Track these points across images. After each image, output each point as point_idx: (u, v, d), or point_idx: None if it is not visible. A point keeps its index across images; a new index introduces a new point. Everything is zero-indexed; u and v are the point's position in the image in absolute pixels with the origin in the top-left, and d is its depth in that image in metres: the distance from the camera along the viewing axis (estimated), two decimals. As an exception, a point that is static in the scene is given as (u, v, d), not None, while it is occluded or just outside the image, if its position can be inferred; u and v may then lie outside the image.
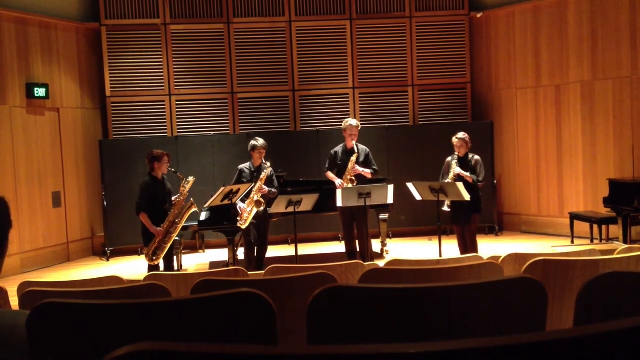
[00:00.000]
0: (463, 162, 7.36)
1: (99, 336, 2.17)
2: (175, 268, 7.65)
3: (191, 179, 7.08)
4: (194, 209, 7.08)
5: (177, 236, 7.16)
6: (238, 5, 10.56)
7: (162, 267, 7.11)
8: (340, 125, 10.53)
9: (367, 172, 7.67)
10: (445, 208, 7.28)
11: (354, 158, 7.57)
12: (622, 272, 2.54)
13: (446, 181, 7.21)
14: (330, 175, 7.84)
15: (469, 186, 7.15)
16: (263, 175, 7.45)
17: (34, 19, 9.40)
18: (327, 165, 8.00)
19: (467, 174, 7.24)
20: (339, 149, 7.92)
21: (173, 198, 7.02)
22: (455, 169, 7.25)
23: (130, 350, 1.09)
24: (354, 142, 7.76)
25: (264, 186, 7.45)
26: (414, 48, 10.87)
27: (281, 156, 9.60)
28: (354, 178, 7.58)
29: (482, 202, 7.51)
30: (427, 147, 10.32)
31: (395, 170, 10.01)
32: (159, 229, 6.83)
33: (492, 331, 2.16)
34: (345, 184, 7.50)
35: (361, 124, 10.63)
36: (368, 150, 7.93)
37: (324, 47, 10.75)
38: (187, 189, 7.01)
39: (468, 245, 7.37)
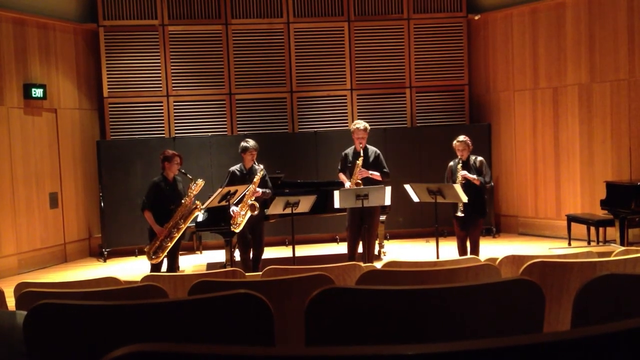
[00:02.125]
0: (466, 165, 7.26)
1: (96, 337, 2.17)
2: (177, 268, 7.64)
3: (200, 181, 7.08)
4: (198, 212, 7.08)
5: (180, 236, 7.14)
6: (236, 7, 10.56)
7: (164, 267, 7.11)
8: (338, 126, 10.63)
9: (375, 175, 7.46)
10: (459, 214, 7.12)
11: (359, 162, 7.41)
12: (619, 274, 2.55)
13: (457, 184, 7.09)
14: (342, 177, 7.74)
15: (476, 189, 7.09)
16: (256, 179, 7.36)
17: (32, 20, 9.38)
18: (339, 167, 7.88)
19: (474, 176, 7.15)
20: (349, 150, 7.73)
21: (182, 200, 7.03)
22: (462, 172, 7.13)
23: (128, 351, 1.08)
24: (362, 145, 7.51)
25: (257, 189, 7.40)
26: (411, 50, 10.88)
27: (279, 157, 9.61)
28: (360, 181, 7.43)
29: (487, 205, 7.45)
30: (425, 149, 10.33)
31: (393, 172, 9.96)
32: (162, 228, 6.86)
33: (490, 333, 2.16)
34: (353, 187, 7.40)
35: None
36: (379, 152, 7.69)
37: (322, 48, 10.76)
38: (194, 192, 7.02)
39: (471, 250, 7.31)
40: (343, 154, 7.81)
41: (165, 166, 7.08)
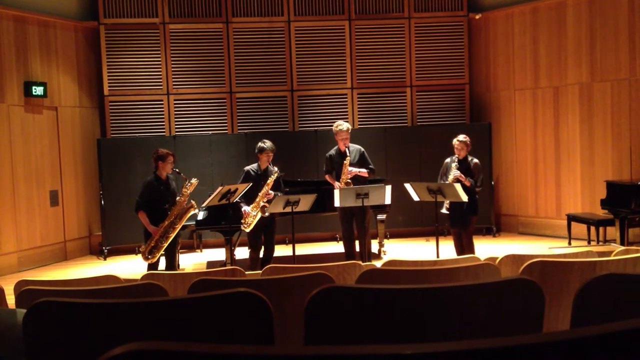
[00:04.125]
0: (462, 165, 7.29)
1: (96, 335, 2.17)
2: (176, 267, 7.63)
3: (194, 181, 7.05)
4: (193, 211, 7.07)
5: (176, 235, 7.13)
6: (237, 5, 10.55)
7: (161, 266, 7.10)
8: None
9: (363, 172, 7.59)
10: (444, 210, 7.19)
11: (346, 162, 7.52)
12: (618, 274, 2.55)
13: (446, 182, 7.15)
14: (329, 178, 7.80)
15: (466, 188, 7.11)
16: (270, 180, 7.36)
17: (33, 18, 9.38)
18: (324, 168, 7.96)
19: (466, 178, 7.19)
20: (333, 151, 7.84)
21: (177, 199, 7.01)
22: (455, 172, 7.17)
23: (126, 350, 1.08)
24: (346, 145, 7.63)
25: (270, 191, 7.38)
26: (412, 49, 10.88)
27: (279, 156, 9.53)
28: (349, 180, 7.51)
29: (478, 203, 7.48)
30: (425, 148, 10.33)
31: (393, 171, 10.02)
32: (155, 228, 6.83)
33: (489, 332, 2.16)
34: (343, 187, 7.44)
35: (359, 125, 10.69)
36: (362, 149, 7.80)
37: (322, 47, 10.75)
38: (189, 191, 7.00)
39: (465, 248, 7.34)
40: (327, 155, 7.90)
41: (159, 165, 7.02)
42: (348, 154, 7.57)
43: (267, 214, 7.26)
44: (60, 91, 9.88)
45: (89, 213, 10.32)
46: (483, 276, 3.25)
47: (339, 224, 8.11)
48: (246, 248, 7.98)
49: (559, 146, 10.09)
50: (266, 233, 7.56)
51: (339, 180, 7.56)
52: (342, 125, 7.71)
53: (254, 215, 7.29)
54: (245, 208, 7.34)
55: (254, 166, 7.60)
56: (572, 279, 3.17)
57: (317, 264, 3.93)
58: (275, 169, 7.49)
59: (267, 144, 7.51)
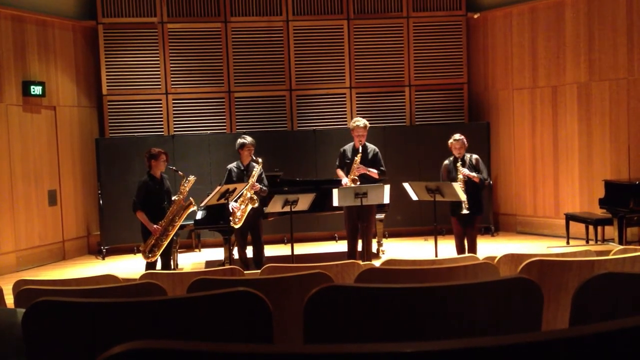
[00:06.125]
0: (463, 163, 7.29)
1: (95, 335, 2.17)
2: (172, 267, 7.64)
3: (192, 178, 7.06)
4: (192, 209, 7.07)
5: (174, 235, 7.14)
6: (235, 4, 10.54)
7: (159, 265, 7.11)
8: (337, 125, 10.62)
9: (373, 172, 7.52)
10: (465, 211, 7.07)
11: (357, 158, 7.48)
12: (617, 273, 2.55)
13: (455, 183, 7.08)
14: (340, 173, 7.77)
15: (475, 187, 7.09)
16: (255, 172, 7.41)
17: (31, 17, 9.37)
18: (337, 163, 7.90)
19: (475, 174, 7.16)
20: (348, 147, 7.77)
21: (173, 198, 7.00)
22: (464, 170, 7.13)
23: (126, 349, 1.09)
24: (361, 142, 7.54)
25: (255, 183, 7.42)
26: (411, 48, 10.88)
27: (278, 156, 9.60)
28: (357, 177, 7.47)
29: (483, 203, 7.45)
30: (424, 147, 10.33)
31: (391, 170, 9.97)
32: (156, 226, 6.84)
33: (488, 331, 2.16)
34: (350, 184, 7.43)
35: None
36: (377, 150, 7.74)
37: (321, 46, 10.75)
38: (187, 188, 7.00)
39: (469, 248, 7.32)
40: (341, 150, 7.85)
41: (152, 164, 7.01)
42: (360, 151, 7.52)
43: (256, 204, 7.29)
44: (58, 91, 9.87)
45: (87, 213, 10.31)
46: (482, 275, 3.25)
47: (337, 223, 8.12)
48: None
49: (557, 145, 10.09)
50: (253, 234, 7.58)
51: (347, 176, 7.53)
52: (359, 121, 7.63)
53: (243, 210, 7.30)
54: (233, 205, 7.34)
55: (235, 163, 7.64)
56: (571, 278, 3.18)
57: (316, 263, 3.93)
58: (260, 160, 7.49)
59: (247, 139, 7.57)
